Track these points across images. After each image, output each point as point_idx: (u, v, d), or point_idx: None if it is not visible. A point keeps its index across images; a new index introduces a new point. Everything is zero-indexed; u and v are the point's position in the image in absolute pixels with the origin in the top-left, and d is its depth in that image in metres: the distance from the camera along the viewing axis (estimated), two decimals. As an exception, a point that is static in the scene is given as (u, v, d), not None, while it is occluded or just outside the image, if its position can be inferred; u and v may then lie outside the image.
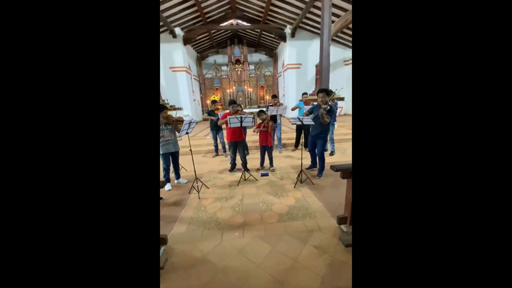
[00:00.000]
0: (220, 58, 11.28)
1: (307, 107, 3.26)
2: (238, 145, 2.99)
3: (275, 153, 4.06)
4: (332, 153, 3.81)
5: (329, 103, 2.54)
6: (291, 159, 3.82)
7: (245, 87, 10.92)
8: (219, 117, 3.41)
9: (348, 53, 8.48)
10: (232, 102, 2.93)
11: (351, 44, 8.22)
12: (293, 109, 4.16)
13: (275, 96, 4.20)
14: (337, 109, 4.01)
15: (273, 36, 8.68)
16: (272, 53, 11.16)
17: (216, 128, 4.02)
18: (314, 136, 2.75)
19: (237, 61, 10.82)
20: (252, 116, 2.68)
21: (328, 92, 2.59)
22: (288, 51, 8.60)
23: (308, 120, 2.40)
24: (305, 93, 4.02)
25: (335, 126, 4.01)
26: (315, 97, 3.10)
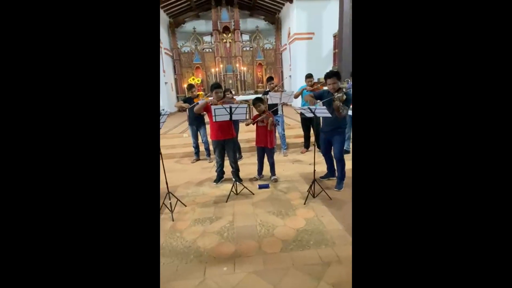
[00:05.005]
0: (202, 25, 11.28)
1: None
2: (226, 145, 3.01)
3: (278, 156, 4.09)
4: (347, 152, 3.80)
5: (344, 90, 2.54)
6: (300, 164, 3.84)
7: (237, 65, 10.95)
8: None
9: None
10: (216, 86, 2.94)
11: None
12: (296, 96, 4.15)
13: (271, 79, 4.22)
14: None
15: (275, -6, 8.72)
16: (274, 19, 11.21)
17: (196, 122, 4.01)
18: (328, 133, 2.77)
19: (226, 29, 10.83)
20: (245, 105, 2.69)
21: (339, 77, 2.58)
22: (296, 15, 8.65)
23: (323, 111, 2.42)
24: (309, 76, 4.04)
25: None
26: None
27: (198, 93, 4.22)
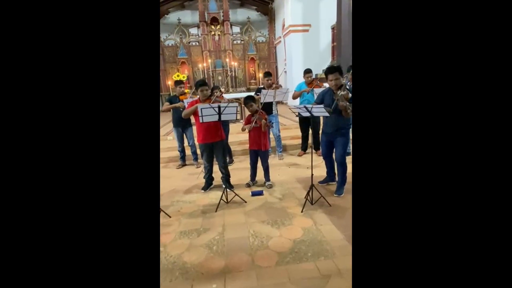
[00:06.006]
0: (187, 16, 11.28)
1: (316, 91, 3.30)
2: (215, 149, 3.01)
3: (272, 160, 4.10)
4: (348, 154, 3.82)
5: (347, 87, 2.56)
6: (297, 168, 3.87)
7: (227, 59, 10.97)
8: (186, 106, 3.38)
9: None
10: (201, 84, 2.93)
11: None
12: (295, 97, 4.18)
13: (269, 74, 4.23)
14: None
15: (268, -17, 8.81)
16: (267, 9, 11.32)
17: (181, 124, 3.99)
18: (330, 134, 2.80)
19: (214, 21, 10.85)
20: (235, 104, 2.70)
21: (341, 72, 2.61)
22: (291, 6, 8.75)
23: (319, 110, 2.45)
24: (308, 71, 4.07)
25: None
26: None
27: (184, 90, 4.18)
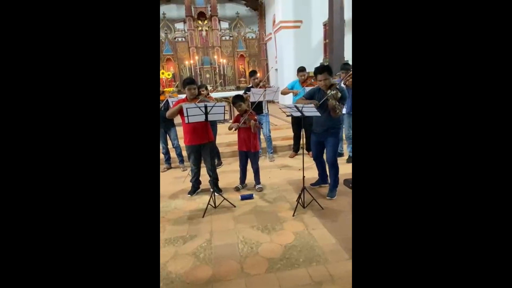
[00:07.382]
0: (173, 10, 11.18)
1: (308, 89, 3.35)
2: (202, 151, 2.99)
3: (263, 161, 4.11)
4: (340, 154, 3.88)
5: (338, 86, 2.61)
6: (288, 170, 3.89)
7: (215, 56, 10.93)
8: (170, 106, 3.35)
9: (371, 6, 8.97)
10: (189, 82, 2.92)
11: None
12: (284, 93, 4.24)
13: (254, 73, 4.26)
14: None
15: (257, -24, 8.85)
16: (256, 4, 11.35)
17: (164, 124, 3.94)
18: (320, 135, 2.84)
19: (201, 15, 10.81)
20: (223, 104, 2.69)
21: (330, 71, 2.68)
22: (282, 0, 8.80)
23: (310, 110, 2.47)
24: (302, 69, 4.14)
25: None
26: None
27: (163, 89, 4.15)
